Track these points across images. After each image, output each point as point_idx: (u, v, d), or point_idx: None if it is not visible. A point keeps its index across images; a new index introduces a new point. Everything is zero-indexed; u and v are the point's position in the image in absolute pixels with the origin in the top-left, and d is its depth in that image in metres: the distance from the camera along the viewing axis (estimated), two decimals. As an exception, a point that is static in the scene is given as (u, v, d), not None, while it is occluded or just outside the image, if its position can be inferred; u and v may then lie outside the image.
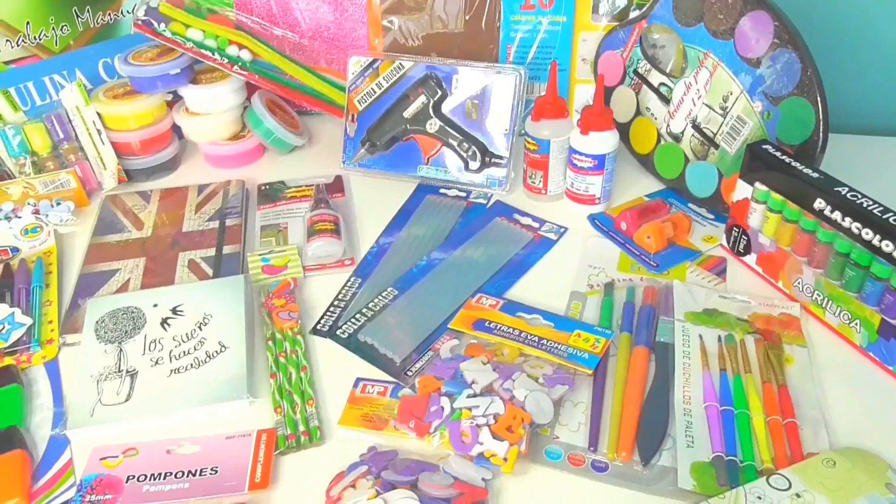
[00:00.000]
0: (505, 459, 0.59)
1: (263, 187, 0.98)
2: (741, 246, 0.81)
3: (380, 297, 0.78)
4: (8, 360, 0.74)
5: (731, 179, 0.82)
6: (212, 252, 0.87)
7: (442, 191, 0.95)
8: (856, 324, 0.70)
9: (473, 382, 0.65)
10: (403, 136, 0.96)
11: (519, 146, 0.94)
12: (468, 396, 0.64)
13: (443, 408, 0.63)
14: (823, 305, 0.73)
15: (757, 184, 0.76)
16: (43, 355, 0.75)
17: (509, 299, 0.77)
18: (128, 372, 0.70)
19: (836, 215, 0.68)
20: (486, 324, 0.73)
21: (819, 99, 0.75)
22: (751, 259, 0.80)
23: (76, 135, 0.97)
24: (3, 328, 0.77)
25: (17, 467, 0.62)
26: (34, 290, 0.81)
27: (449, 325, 0.74)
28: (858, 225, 0.66)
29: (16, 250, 0.87)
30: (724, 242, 0.83)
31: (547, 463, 0.61)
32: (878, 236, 0.65)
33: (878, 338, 0.68)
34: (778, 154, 0.75)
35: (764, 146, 0.76)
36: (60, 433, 0.67)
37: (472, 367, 0.66)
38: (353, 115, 0.98)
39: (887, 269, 0.65)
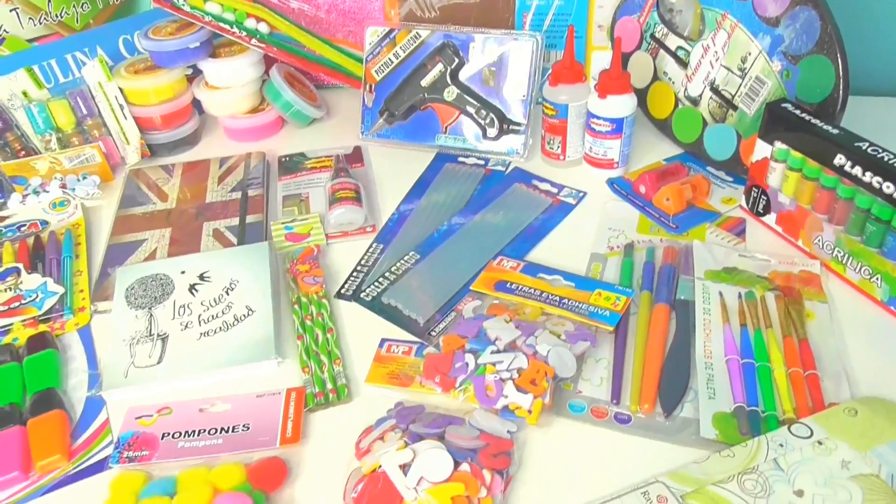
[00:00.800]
0: (529, 412, 0.60)
1: (284, 159, 0.99)
2: (760, 206, 0.81)
3: (402, 262, 0.79)
4: (42, 327, 0.76)
5: (750, 140, 0.82)
6: (235, 221, 0.88)
7: (460, 159, 0.96)
8: (877, 279, 0.70)
9: (497, 339, 0.66)
10: (421, 104, 0.96)
11: (536, 113, 0.95)
12: (492, 353, 0.65)
13: (467, 364, 0.64)
14: (844, 262, 0.73)
15: (776, 143, 0.76)
16: (76, 322, 0.77)
17: (530, 261, 0.78)
18: (159, 336, 0.72)
19: (857, 170, 0.68)
20: (508, 285, 0.74)
21: (839, 55, 0.74)
22: (770, 219, 0.80)
23: (99, 110, 0.99)
24: (37, 297, 0.79)
25: (57, 426, 0.64)
26: (64, 261, 0.83)
27: (471, 287, 0.75)
28: (879, 179, 0.66)
29: (45, 223, 0.89)
30: (744, 203, 0.84)
31: (570, 416, 0.63)
32: (898, 189, 0.65)
33: (899, 291, 0.69)
34: (797, 112, 0.75)
35: (783, 105, 0.76)
36: (96, 394, 0.69)
37: (495, 325, 0.67)
38: (370, 86, 0.99)
39: (908, 222, 0.65)
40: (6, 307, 0.78)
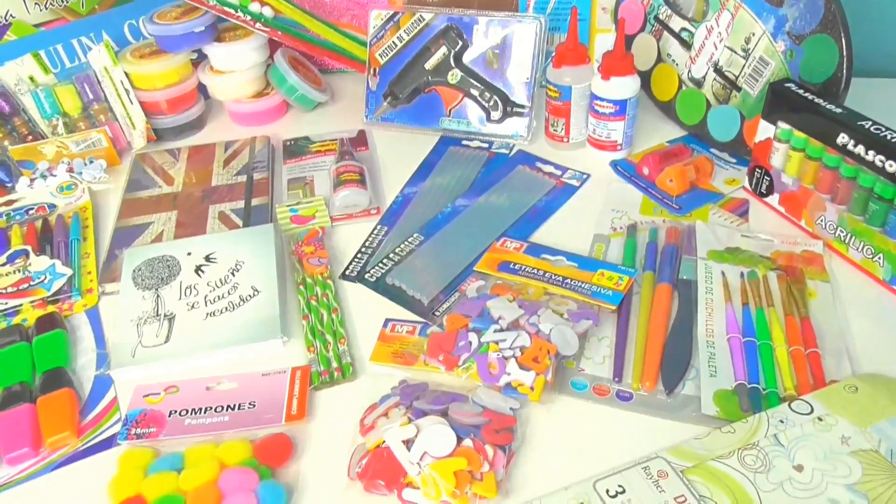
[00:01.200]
0: (532, 388, 0.61)
1: (288, 143, 1.00)
2: (763, 187, 0.81)
3: (406, 243, 0.80)
4: (51, 308, 0.77)
5: (754, 121, 0.82)
6: (241, 204, 0.89)
7: (464, 142, 0.96)
8: (879, 258, 0.70)
9: (500, 318, 0.66)
10: (425, 87, 0.97)
11: (540, 96, 0.95)
12: (495, 331, 0.65)
13: (470, 342, 0.65)
14: (846, 241, 0.73)
15: (779, 123, 0.76)
16: (84, 303, 0.78)
17: (533, 242, 0.78)
18: (166, 316, 0.73)
19: (860, 149, 0.68)
20: (511, 265, 0.74)
21: (843, 35, 0.74)
22: (773, 199, 0.80)
23: (105, 95, 0.99)
24: (45, 278, 0.80)
25: (66, 404, 0.65)
26: (72, 244, 0.84)
27: (475, 268, 0.75)
28: (882, 158, 0.66)
29: (53, 207, 0.89)
30: (747, 184, 0.84)
31: (573, 393, 0.63)
32: (901, 168, 0.65)
33: (902, 270, 0.69)
34: (801, 92, 0.75)
35: (787, 85, 0.76)
36: (104, 373, 0.70)
37: (499, 304, 0.68)
38: (374, 69, 0.99)
39: (911, 201, 0.66)
40: (15, 289, 0.79)
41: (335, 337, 0.70)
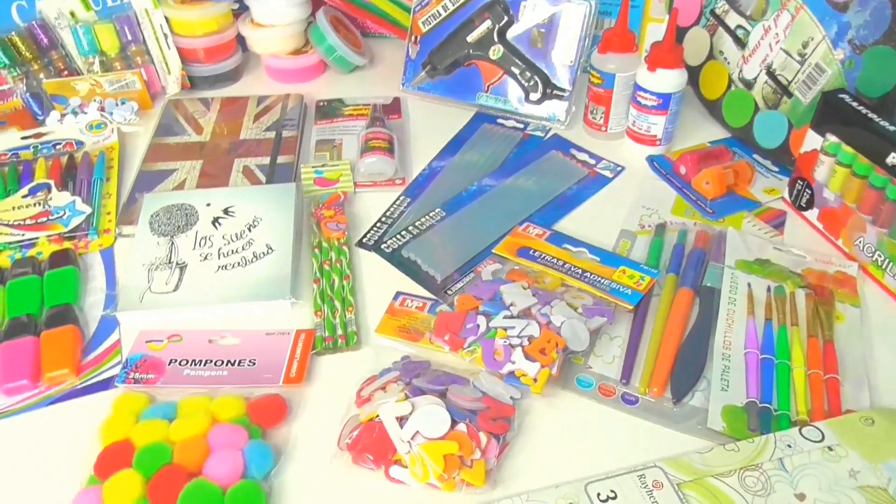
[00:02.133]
0: (535, 380, 0.59)
1: (321, 103, 0.98)
2: (804, 200, 0.78)
3: (427, 217, 0.78)
4: (67, 245, 0.77)
5: (801, 130, 0.79)
6: (266, 160, 0.88)
7: (499, 120, 0.94)
8: (916, 287, 0.67)
9: (511, 305, 0.65)
10: (465, 61, 0.94)
11: (582, 81, 0.92)
12: (505, 317, 0.64)
13: (479, 325, 0.63)
14: (883, 267, 0.70)
15: (828, 135, 0.73)
16: (100, 243, 0.78)
17: (557, 230, 0.76)
18: (178, 264, 0.72)
19: (910, 171, 0.65)
20: (531, 252, 0.72)
21: (907, 48, 0.70)
22: (812, 214, 0.77)
23: (144, 38, 0.99)
24: (64, 214, 0.80)
25: (69, 341, 0.65)
26: (95, 182, 0.84)
27: (493, 250, 0.73)
28: (933, 182, 0.63)
29: (80, 144, 0.89)
30: (786, 195, 0.80)
31: (577, 390, 0.61)
32: (952, 195, 0.62)
33: (939, 303, 0.65)
34: (855, 104, 0.71)
35: (840, 96, 0.72)
36: (111, 314, 0.69)
37: (512, 290, 0.66)
38: (416, 37, 0.97)
39: (958, 231, 0.62)
40: (34, 221, 0.79)
41: (343, 304, 0.69)
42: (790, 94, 0.81)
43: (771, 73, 0.83)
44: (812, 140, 0.75)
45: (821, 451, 0.54)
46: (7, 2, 0.93)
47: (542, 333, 0.62)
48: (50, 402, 0.62)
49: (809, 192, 0.77)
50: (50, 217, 0.80)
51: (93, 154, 0.88)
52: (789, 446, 0.55)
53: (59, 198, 0.81)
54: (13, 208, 0.80)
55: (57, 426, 0.60)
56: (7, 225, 0.78)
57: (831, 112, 0.72)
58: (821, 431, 0.56)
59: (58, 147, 0.89)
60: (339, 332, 0.66)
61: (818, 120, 0.74)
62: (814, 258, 0.73)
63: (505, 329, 0.63)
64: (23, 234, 0.78)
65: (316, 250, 0.75)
